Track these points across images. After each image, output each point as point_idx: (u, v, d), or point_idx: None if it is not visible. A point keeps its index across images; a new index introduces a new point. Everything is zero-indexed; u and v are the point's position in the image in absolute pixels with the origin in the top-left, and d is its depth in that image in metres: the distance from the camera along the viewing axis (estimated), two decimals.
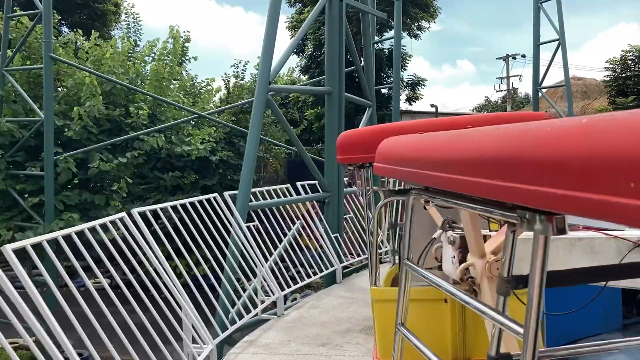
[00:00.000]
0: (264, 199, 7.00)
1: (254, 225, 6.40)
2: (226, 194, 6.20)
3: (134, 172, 17.22)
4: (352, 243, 8.41)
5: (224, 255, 5.98)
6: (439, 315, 2.90)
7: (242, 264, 5.98)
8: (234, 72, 22.10)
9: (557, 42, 16.16)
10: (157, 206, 5.09)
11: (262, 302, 5.94)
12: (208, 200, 5.81)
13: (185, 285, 4.95)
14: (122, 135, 15.59)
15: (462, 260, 2.26)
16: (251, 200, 6.58)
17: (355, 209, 8.51)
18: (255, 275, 6.16)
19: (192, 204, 5.54)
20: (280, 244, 7.28)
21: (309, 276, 6.96)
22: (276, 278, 6.29)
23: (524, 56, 46.65)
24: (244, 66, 22.12)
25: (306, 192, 7.64)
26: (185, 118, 16.28)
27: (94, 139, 15.72)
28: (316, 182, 7.98)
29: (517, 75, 45.65)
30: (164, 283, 4.65)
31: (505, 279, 1.40)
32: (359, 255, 8.32)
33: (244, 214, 6.34)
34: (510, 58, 46.23)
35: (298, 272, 7.02)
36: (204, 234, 5.51)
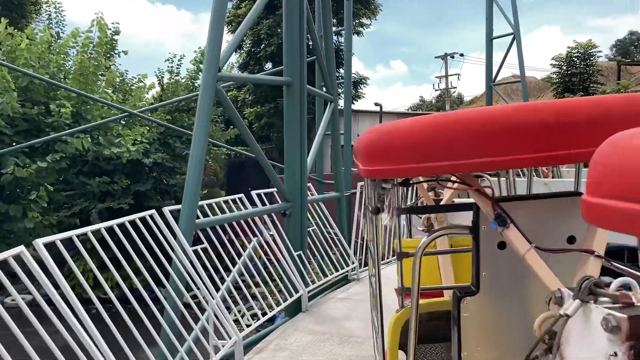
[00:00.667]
0: (213, 213, 5.71)
1: (202, 248, 5.08)
2: (166, 210, 4.85)
3: (57, 178, 15.37)
4: (317, 260, 7.22)
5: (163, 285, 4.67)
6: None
7: (187, 298, 4.68)
8: (168, 67, 20.45)
9: (511, 37, 15.56)
10: (73, 233, 3.72)
11: (216, 349, 4.63)
12: (143, 219, 4.47)
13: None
14: (42, 136, 13.73)
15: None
16: (198, 217, 5.26)
17: (318, 217, 7.33)
18: (204, 311, 4.85)
19: (122, 226, 4.19)
20: (234, 266, 5.99)
21: (271, 307, 5.69)
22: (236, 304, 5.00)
23: (462, 55, 46.96)
24: (179, 61, 20.51)
25: (263, 203, 6.38)
26: (114, 117, 14.55)
27: (7, 140, 13.80)
28: (273, 189, 6.75)
29: (456, 74, 45.69)
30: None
31: None
32: (325, 275, 7.13)
33: (190, 235, 5.02)
34: (448, 57, 46.38)
35: (257, 297, 5.74)
36: (135, 260, 4.19)
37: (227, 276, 5.90)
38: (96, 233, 3.96)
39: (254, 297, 5.67)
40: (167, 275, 4.71)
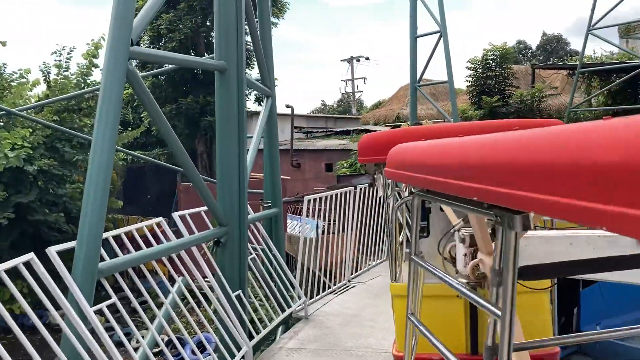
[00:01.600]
0: (122, 248, 4.02)
1: (108, 307, 3.42)
2: (52, 251, 3.15)
3: None
4: (260, 298, 5.67)
5: None
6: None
7: None
8: (55, 61, 17.86)
9: (437, 34, 14.73)
10: None
11: None
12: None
13: None
14: None
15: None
16: (102, 259, 3.55)
17: (256, 241, 5.77)
18: None
19: None
20: (153, 321, 4.32)
21: None
22: None
23: (367, 59, 46.82)
24: (68, 54, 17.99)
25: (189, 230, 4.70)
26: None
27: None
28: (201, 209, 5.10)
29: (362, 78, 45.45)
30: None
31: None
32: (270, 319, 5.57)
33: (90, 290, 3.31)
34: (354, 60, 46.07)
35: None
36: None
37: (145, 336, 4.23)
38: None
39: None
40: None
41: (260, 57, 6.16)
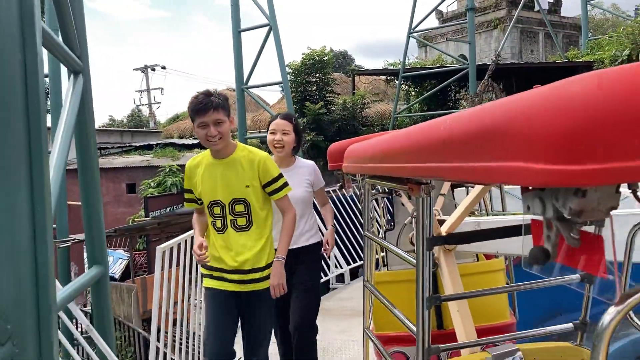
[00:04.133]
0: None
1: None
2: None
3: None
4: None
5: None
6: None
7: None
8: None
9: (267, 28, 12.64)
10: None
11: None
12: None
13: None
14: None
15: None
16: None
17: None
18: None
19: None
20: None
21: None
22: None
23: (163, 67, 43.36)
24: None
25: None
26: None
27: None
28: None
29: (159, 88, 41.89)
30: None
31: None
32: None
33: None
34: (149, 69, 42.32)
35: None
36: None
37: None
38: None
39: None
40: None
41: (64, 6, 3.34)
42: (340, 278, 8.13)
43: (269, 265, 3.34)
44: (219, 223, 3.33)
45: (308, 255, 3.86)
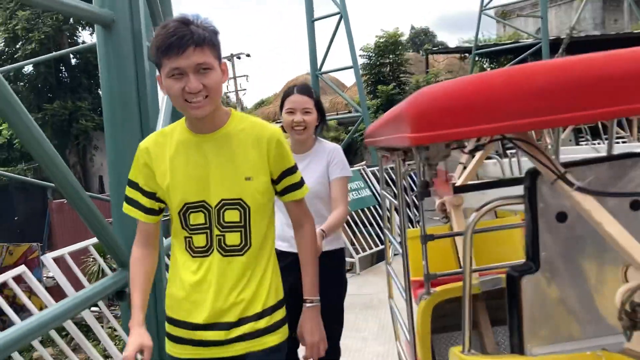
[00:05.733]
0: None
1: None
2: None
3: None
4: None
5: None
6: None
7: None
8: None
9: (338, 16, 13.46)
10: None
11: None
12: None
13: None
14: None
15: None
16: None
17: None
18: None
19: None
20: None
21: None
22: None
23: (248, 55, 45.10)
24: None
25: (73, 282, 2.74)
26: None
27: None
28: (87, 243, 3.20)
29: (244, 75, 43.69)
30: None
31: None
32: None
33: None
34: (234, 57, 44.17)
35: None
36: None
37: None
38: None
39: None
40: None
41: (157, 9, 4.34)
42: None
43: (273, 309, 2.10)
44: (200, 240, 2.02)
45: (327, 265, 2.75)
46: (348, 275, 7.20)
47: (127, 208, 2.12)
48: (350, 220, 7.96)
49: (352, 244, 7.90)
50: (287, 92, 3.10)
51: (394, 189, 4.12)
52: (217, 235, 2.03)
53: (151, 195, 2.08)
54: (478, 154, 3.63)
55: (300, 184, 2.17)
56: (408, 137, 1.58)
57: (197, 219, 2.02)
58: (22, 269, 3.03)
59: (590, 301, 1.82)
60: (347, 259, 7.73)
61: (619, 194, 1.65)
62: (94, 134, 23.15)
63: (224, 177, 2.01)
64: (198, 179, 2.01)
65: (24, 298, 3.25)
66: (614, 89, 1.41)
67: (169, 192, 2.02)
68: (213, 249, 2.03)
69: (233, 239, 2.03)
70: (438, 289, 2.69)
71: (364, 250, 7.93)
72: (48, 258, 3.09)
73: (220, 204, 2.01)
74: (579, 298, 1.83)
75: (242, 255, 2.04)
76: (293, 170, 2.15)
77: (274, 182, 2.12)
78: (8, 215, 20.99)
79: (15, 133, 2.35)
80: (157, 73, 1.95)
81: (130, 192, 2.10)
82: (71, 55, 23.64)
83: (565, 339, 1.84)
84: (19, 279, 3.24)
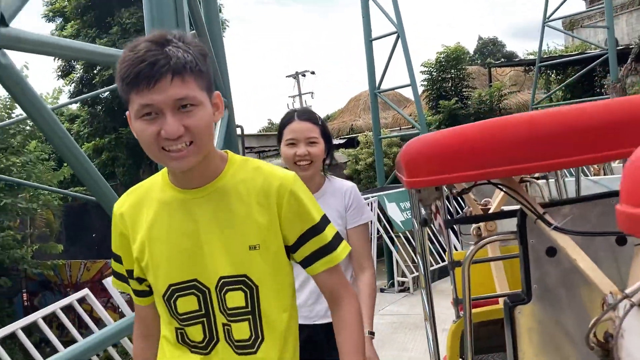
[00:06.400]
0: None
1: None
2: None
3: None
4: None
5: None
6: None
7: None
8: None
9: (395, 35, 13.67)
10: None
11: None
12: None
13: None
14: None
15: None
16: None
17: None
18: None
19: None
20: None
21: None
22: None
23: (313, 73, 45.95)
24: None
25: None
26: None
27: None
28: None
29: (309, 93, 44.47)
30: None
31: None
32: None
33: None
34: (300, 75, 45.09)
35: None
36: None
37: None
38: None
39: None
40: None
41: (212, 57, 4.74)
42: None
43: None
44: (195, 333, 1.59)
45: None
46: (401, 294, 7.35)
47: (115, 282, 1.72)
48: (404, 239, 8.09)
49: (405, 262, 8.01)
50: (285, 119, 2.56)
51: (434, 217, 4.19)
52: (224, 325, 1.55)
53: (132, 275, 1.63)
54: None
55: (333, 244, 1.61)
56: (405, 181, 1.81)
57: (188, 305, 1.54)
58: (85, 292, 3.43)
59: (579, 330, 1.92)
60: (400, 278, 8.04)
61: (589, 233, 1.78)
62: None
63: (222, 246, 1.52)
64: (186, 252, 1.53)
65: (87, 319, 3.64)
66: (577, 140, 1.59)
67: (148, 270, 1.57)
68: (216, 342, 1.56)
69: (241, 330, 1.54)
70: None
71: (417, 269, 7.87)
72: (109, 281, 3.48)
73: (220, 284, 1.53)
74: (569, 327, 1.95)
75: (255, 352, 1.55)
76: (319, 228, 1.60)
77: (290, 249, 1.60)
78: (85, 233, 22.27)
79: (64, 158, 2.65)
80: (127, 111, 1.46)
81: (115, 265, 1.69)
82: None
83: None
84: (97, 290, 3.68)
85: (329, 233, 1.62)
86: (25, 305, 17.23)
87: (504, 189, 1.93)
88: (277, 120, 51.49)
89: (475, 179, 1.80)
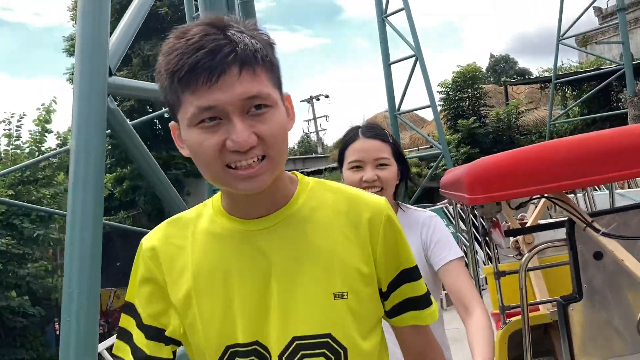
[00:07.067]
0: None
1: None
2: None
3: None
4: None
5: None
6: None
7: None
8: (5, 130, 16.50)
9: (413, 59, 14.05)
10: None
11: None
12: None
13: None
14: None
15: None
16: None
17: None
18: None
19: None
20: None
21: None
22: None
23: (327, 96, 46.60)
24: (18, 121, 16.67)
25: None
26: None
27: None
28: None
29: (324, 116, 45.01)
30: None
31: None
32: None
33: None
34: (314, 99, 45.69)
35: None
36: None
37: None
38: None
39: None
40: None
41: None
42: None
43: None
44: None
45: None
46: None
47: (119, 347, 1.21)
48: None
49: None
50: (347, 138, 2.11)
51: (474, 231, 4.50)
52: None
53: (155, 334, 1.19)
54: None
55: (428, 298, 1.28)
56: (467, 198, 2.12)
57: None
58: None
59: (628, 322, 2.15)
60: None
61: (634, 237, 2.09)
62: (185, 180, 24.80)
63: (298, 294, 1.14)
64: (251, 301, 1.14)
65: None
66: (613, 159, 1.93)
67: (194, 329, 1.16)
68: None
69: None
70: (513, 319, 2.94)
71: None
72: None
73: (293, 348, 1.13)
74: (619, 320, 2.18)
75: None
76: (416, 273, 1.27)
77: (384, 295, 1.24)
78: (111, 262, 22.64)
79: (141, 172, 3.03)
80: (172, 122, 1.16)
81: (126, 321, 1.22)
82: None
83: (610, 355, 2.18)
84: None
85: (422, 284, 1.28)
86: (57, 334, 17.59)
87: (557, 202, 2.24)
88: (290, 144, 52.20)
89: (532, 194, 2.13)
